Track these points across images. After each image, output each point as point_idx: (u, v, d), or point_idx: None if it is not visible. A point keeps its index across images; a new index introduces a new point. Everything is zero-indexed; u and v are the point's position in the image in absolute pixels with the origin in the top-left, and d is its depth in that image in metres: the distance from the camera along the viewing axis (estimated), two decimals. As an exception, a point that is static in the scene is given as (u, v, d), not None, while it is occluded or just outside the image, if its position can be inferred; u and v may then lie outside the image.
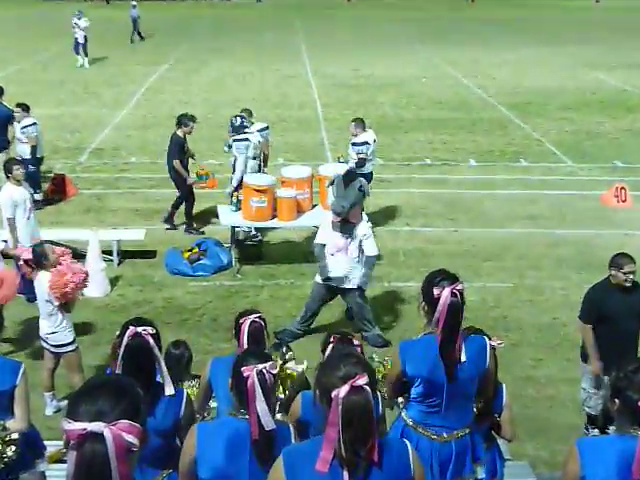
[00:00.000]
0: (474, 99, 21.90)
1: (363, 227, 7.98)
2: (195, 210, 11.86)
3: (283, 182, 10.31)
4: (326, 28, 39.26)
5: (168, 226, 11.63)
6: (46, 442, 5.05)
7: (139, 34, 33.41)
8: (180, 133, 11.44)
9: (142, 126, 18.29)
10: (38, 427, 5.00)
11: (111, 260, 10.30)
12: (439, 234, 11.68)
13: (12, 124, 12.46)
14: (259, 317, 4.79)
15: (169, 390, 3.94)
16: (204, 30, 38.26)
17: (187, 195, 11.58)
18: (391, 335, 8.35)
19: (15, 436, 4.36)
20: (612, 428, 3.46)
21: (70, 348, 6.79)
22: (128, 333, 3.93)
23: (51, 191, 12.96)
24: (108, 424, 2.12)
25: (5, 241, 8.80)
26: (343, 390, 2.68)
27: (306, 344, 7.86)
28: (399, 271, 10.31)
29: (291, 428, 3.60)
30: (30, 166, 11.38)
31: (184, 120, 11.45)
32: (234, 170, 10.85)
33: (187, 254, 10.28)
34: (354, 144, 11.29)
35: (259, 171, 10.84)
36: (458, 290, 4.10)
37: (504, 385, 4.77)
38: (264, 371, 3.41)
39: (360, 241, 7.92)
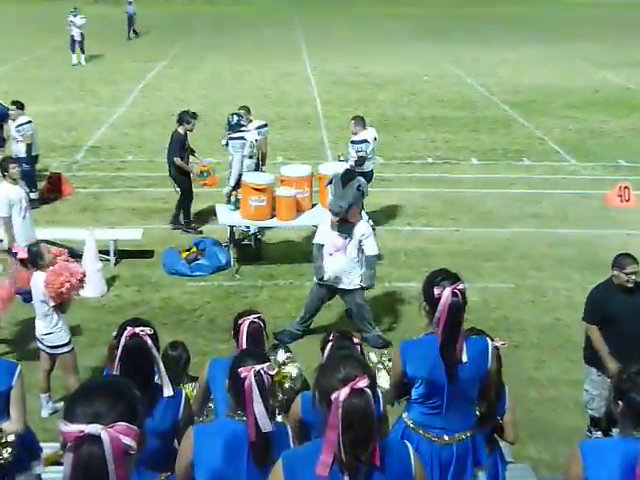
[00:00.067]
0: (476, 97, 21.91)
1: (362, 227, 7.98)
2: (193, 209, 11.86)
3: (282, 181, 10.31)
4: (325, 25, 39.26)
5: (178, 227, 11.57)
6: (42, 444, 5.05)
7: (134, 31, 33.38)
8: (181, 130, 11.44)
9: (139, 124, 18.29)
10: (34, 429, 5.00)
11: (108, 260, 10.30)
12: (440, 234, 11.69)
13: (7, 122, 12.46)
14: (258, 318, 4.80)
15: (168, 391, 3.94)
16: (201, 27, 38.26)
17: (186, 195, 11.57)
18: (392, 336, 8.35)
19: (11, 438, 4.36)
20: (615, 430, 3.45)
21: (65, 349, 6.79)
22: (126, 334, 3.93)
23: (47, 190, 12.96)
24: (105, 426, 2.12)
25: (1, 240, 8.80)
26: (343, 393, 2.67)
27: (305, 344, 7.86)
28: (400, 271, 10.31)
29: (289, 429, 3.60)
30: (25, 165, 11.38)
31: (185, 117, 11.45)
32: (231, 168, 10.85)
33: (185, 254, 10.28)
34: (353, 142, 11.30)
35: (256, 170, 10.83)
36: (459, 290, 4.11)
37: (506, 387, 4.78)
38: (262, 372, 3.41)
39: (359, 241, 7.93)
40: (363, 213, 9.73)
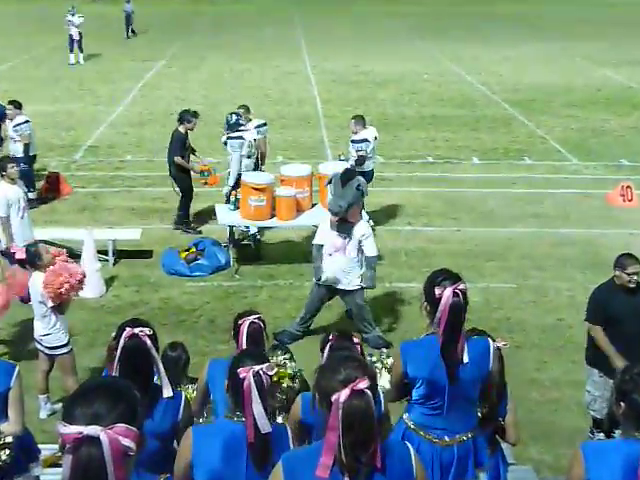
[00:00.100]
0: (477, 96, 21.91)
1: (362, 227, 7.97)
2: (193, 209, 11.85)
3: (282, 180, 10.31)
4: (325, 23, 39.26)
5: (179, 228, 11.56)
6: (40, 446, 5.05)
7: (132, 30, 33.29)
8: (182, 129, 11.44)
9: (138, 123, 18.29)
10: (32, 430, 5.00)
11: (106, 260, 10.30)
12: (441, 234, 11.69)
13: (4, 122, 12.45)
14: (258, 318, 4.80)
15: (167, 392, 3.94)
16: (201, 25, 38.24)
17: (186, 193, 11.56)
18: (392, 336, 8.35)
19: (9, 439, 4.35)
20: (618, 432, 3.45)
21: (64, 350, 6.79)
22: (125, 334, 3.93)
23: (45, 189, 12.96)
24: (104, 428, 2.12)
25: (-1, 240, 8.80)
26: (343, 394, 2.67)
27: (305, 345, 7.87)
28: (400, 271, 10.31)
29: (288, 430, 3.60)
30: (23, 164, 11.37)
31: (186, 116, 11.45)
32: (230, 168, 10.85)
33: (184, 254, 10.28)
34: (353, 141, 11.31)
35: (255, 169, 10.82)
36: (460, 290, 4.11)
37: (508, 388, 4.77)
38: (261, 372, 3.41)
39: (359, 241, 7.91)
40: (363, 213, 9.74)
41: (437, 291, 4.10)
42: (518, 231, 11.74)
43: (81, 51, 26.95)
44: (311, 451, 2.83)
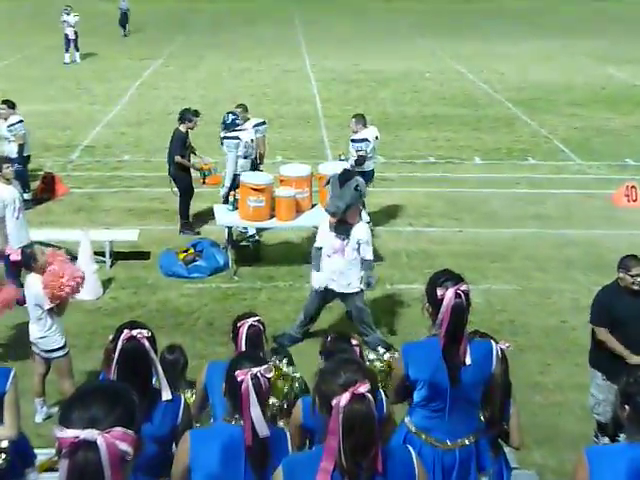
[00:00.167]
0: (479, 94, 21.92)
1: (361, 230, 7.91)
2: (192, 209, 11.83)
3: (281, 181, 10.31)
4: (325, 21, 39.27)
5: (182, 230, 11.56)
6: (36, 450, 5.05)
7: (124, 28, 33.11)
8: (182, 128, 11.43)
9: (136, 123, 18.30)
10: (28, 434, 5.00)
11: (103, 261, 10.30)
12: (443, 234, 11.69)
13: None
14: (258, 320, 4.81)
15: (166, 395, 3.94)
16: (199, 24, 38.24)
17: (185, 193, 11.54)
18: (393, 339, 8.34)
19: (4, 444, 4.35)
20: (623, 436, 3.45)
21: (60, 353, 6.79)
22: (123, 336, 3.93)
23: (41, 190, 12.96)
24: (102, 432, 2.11)
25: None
26: (344, 398, 2.67)
27: (306, 348, 7.87)
28: (402, 273, 10.31)
29: (287, 433, 3.60)
30: (17, 165, 11.36)
31: (187, 115, 11.44)
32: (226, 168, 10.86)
33: (182, 255, 10.28)
34: (353, 141, 11.30)
35: (252, 170, 10.81)
36: (462, 291, 4.11)
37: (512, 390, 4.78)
38: (259, 375, 3.41)
39: (358, 243, 7.87)
40: (364, 214, 9.74)
41: (439, 292, 4.10)
42: (521, 232, 11.74)
43: (77, 50, 26.95)
44: (312, 455, 2.84)
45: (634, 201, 12.86)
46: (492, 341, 4.41)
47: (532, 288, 9.93)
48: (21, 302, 7.24)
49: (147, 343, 3.94)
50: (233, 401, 3.46)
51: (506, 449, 4.89)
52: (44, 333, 6.69)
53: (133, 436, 2.17)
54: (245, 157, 10.83)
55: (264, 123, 12.00)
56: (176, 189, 11.57)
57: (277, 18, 40.30)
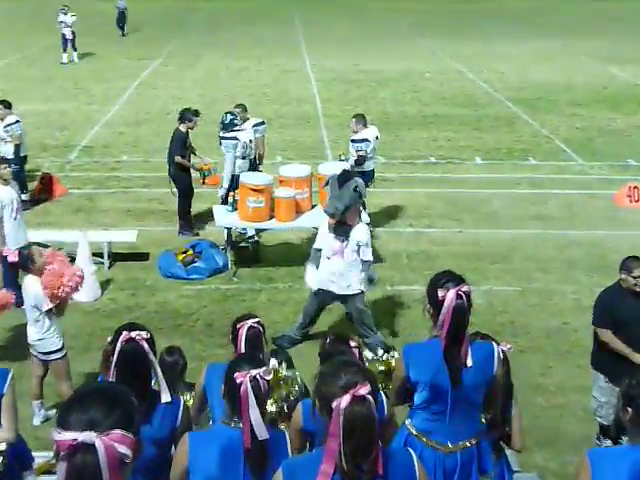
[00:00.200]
0: (480, 94, 21.92)
1: (361, 232, 7.88)
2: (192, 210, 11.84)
3: (281, 181, 10.31)
4: (325, 20, 39.28)
5: (187, 233, 11.55)
6: (34, 453, 5.05)
7: (121, 28, 33.04)
8: (183, 128, 11.43)
9: (134, 123, 18.30)
10: (26, 437, 5.00)
11: (102, 263, 10.30)
12: (443, 235, 11.69)
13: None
14: (257, 322, 4.80)
15: (166, 397, 3.94)
16: (198, 23, 38.26)
17: (185, 193, 11.53)
18: (394, 341, 8.33)
19: (2, 447, 4.35)
20: (625, 438, 3.45)
21: (58, 355, 6.78)
22: (122, 338, 3.93)
23: (39, 191, 12.97)
24: (100, 434, 2.11)
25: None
26: (344, 400, 2.67)
27: (305, 350, 7.86)
28: (402, 274, 10.31)
29: (287, 436, 3.60)
30: (14, 165, 11.36)
31: (187, 115, 11.44)
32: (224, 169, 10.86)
33: (181, 256, 10.28)
34: (353, 141, 11.30)
35: (250, 170, 10.80)
36: (464, 292, 4.11)
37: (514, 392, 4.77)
38: (258, 377, 3.40)
39: (358, 245, 7.85)
40: (365, 215, 9.74)
41: (440, 293, 4.09)
42: (522, 233, 11.74)
43: (75, 50, 26.94)
44: (312, 458, 2.83)
45: (636, 202, 12.86)
46: (493, 343, 4.41)
47: (533, 289, 9.93)
48: (19, 304, 7.23)
49: (146, 345, 3.94)
50: (232, 403, 3.46)
51: (507, 451, 4.89)
52: (42, 335, 6.68)
53: (132, 438, 2.17)
54: (243, 158, 10.83)
55: (263, 123, 12.00)
56: (175, 190, 11.56)
57: (277, 17, 40.30)
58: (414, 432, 4.30)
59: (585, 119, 18.95)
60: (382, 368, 5.31)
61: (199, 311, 9.34)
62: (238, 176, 10.49)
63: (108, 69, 25.26)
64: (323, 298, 8.24)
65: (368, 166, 11.22)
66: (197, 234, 11.48)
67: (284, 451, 3.48)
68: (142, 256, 10.75)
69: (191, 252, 10.33)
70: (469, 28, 36.05)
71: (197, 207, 12.01)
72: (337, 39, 32.36)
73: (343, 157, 11.43)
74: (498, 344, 4.43)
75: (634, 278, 6.14)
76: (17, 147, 12.07)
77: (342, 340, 4.72)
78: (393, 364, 5.22)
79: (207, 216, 11.68)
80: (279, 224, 10.19)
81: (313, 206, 10.33)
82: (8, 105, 12.21)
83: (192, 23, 37.84)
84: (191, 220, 11.69)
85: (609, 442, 6.39)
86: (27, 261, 6.62)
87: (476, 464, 4.32)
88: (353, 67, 25.77)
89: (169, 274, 10.15)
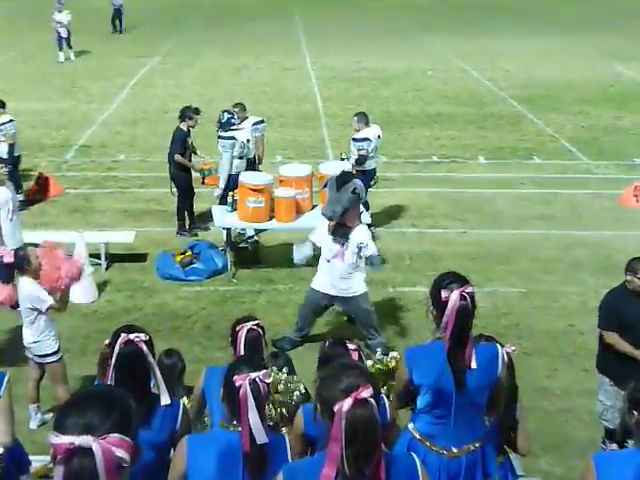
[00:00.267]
0: (483, 92, 21.91)
1: (361, 233, 7.85)
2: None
3: (281, 181, 10.31)
4: (326, 17, 39.27)
5: (185, 234, 11.55)
6: (31, 457, 5.06)
7: (114, 26, 32.92)
8: (183, 127, 11.43)
9: (131, 122, 18.30)
10: (22, 441, 5.01)
11: (99, 264, 10.31)
12: (447, 236, 11.69)
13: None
14: (257, 324, 4.80)
15: (165, 400, 3.94)
16: (196, 20, 38.24)
17: (185, 193, 11.53)
18: (396, 343, 8.33)
19: (-1, 451, 4.36)
20: (631, 442, 3.46)
21: (54, 358, 6.79)
22: (120, 340, 3.93)
23: (34, 191, 12.97)
24: (97, 438, 2.12)
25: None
26: (346, 404, 2.67)
27: (305, 352, 7.87)
28: (405, 275, 10.31)
29: (287, 440, 3.60)
30: (8, 165, 11.36)
31: (188, 113, 11.44)
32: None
33: (179, 257, 10.28)
34: (355, 139, 11.30)
35: (249, 170, 10.80)
36: (468, 293, 4.10)
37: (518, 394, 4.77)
38: (257, 380, 3.40)
39: (358, 247, 7.81)
40: (366, 215, 9.74)
41: (444, 294, 4.09)
42: (527, 233, 11.74)
43: (70, 48, 26.90)
44: (313, 462, 2.84)
45: (643, 201, 12.87)
46: (498, 345, 4.41)
47: (538, 291, 9.93)
48: (14, 305, 7.24)
49: (145, 347, 3.95)
50: (231, 407, 3.46)
51: (512, 455, 4.89)
52: (37, 337, 6.69)
53: (130, 442, 2.17)
54: (240, 157, 10.82)
55: (263, 121, 12.00)
56: (175, 190, 11.57)
57: (276, 13, 40.30)
58: (417, 436, 4.29)
59: (591, 117, 18.94)
60: (382, 369, 5.31)
61: (198, 313, 9.34)
62: (236, 176, 10.50)
63: (105, 67, 25.24)
64: (319, 298, 8.19)
65: (369, 165, 11.22)
66: (196, 235, 11.48)
67: (284, 455, 3.48)
68: (140, 257, 10.76)
69: (189, 253, 10.34)
70: (472, 24, 36.00)
71: (197, 207, 12.00)
72: (338, 35, 32.34)
73: (344, 156, 11.44)
74: (502, 346, 4.43)
75: (640, 279, 6.15)
76: (11, 146, 12.08)
77: (341, 343, 4.71)
78: (393, 365, 5.23)
79: (206, 217, 11.68)
80: (279, 224, 10.19)
81: (314, 206, 10.33)
82: (2, 104, 12.22)
83: (190, 20, 37.83)
84: (194, 220, 11.70)
85: (615, 446, 6.39)
86: (23, 262, 6.63)
87: (480, 468, 4.32)
88: (354, 65, 25.74)
89: (167, 275, 10.15)
